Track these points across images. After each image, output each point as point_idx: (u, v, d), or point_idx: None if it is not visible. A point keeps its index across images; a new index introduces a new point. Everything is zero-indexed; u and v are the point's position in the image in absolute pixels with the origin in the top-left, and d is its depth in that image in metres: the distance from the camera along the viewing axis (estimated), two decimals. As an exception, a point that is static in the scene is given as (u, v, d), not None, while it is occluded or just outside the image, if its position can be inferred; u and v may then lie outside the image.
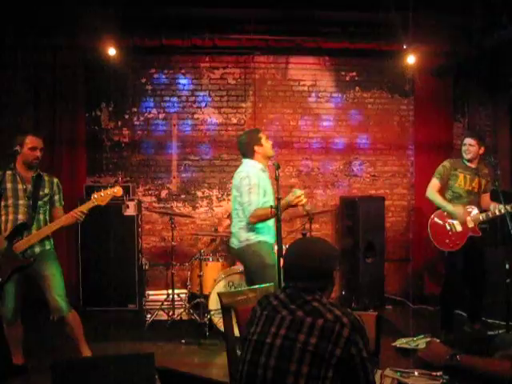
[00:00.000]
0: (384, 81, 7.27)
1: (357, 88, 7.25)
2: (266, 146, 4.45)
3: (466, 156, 5.04)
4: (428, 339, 2.78)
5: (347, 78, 7.25)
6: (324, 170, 7.24)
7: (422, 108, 7.14)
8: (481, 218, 4.95)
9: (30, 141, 4.13)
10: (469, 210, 5.02)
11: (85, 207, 4.13)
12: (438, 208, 5.16)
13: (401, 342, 4.87)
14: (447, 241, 5.01)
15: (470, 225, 4.97)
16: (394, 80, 7.22)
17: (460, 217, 4.97)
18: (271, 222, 4.34)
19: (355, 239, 6.58)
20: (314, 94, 7.20)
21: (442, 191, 5.19)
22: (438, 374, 2.30)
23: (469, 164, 5.08)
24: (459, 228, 4.98)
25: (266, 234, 4.36)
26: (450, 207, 5.02)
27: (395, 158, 7.33)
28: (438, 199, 5.11)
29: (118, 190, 4.19)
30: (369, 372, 1.98)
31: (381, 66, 7.17)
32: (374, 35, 6.54)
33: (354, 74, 7.25)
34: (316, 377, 1.92)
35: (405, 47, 6.07)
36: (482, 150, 5.04)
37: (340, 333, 1.95)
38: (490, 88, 7.36)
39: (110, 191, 4.16)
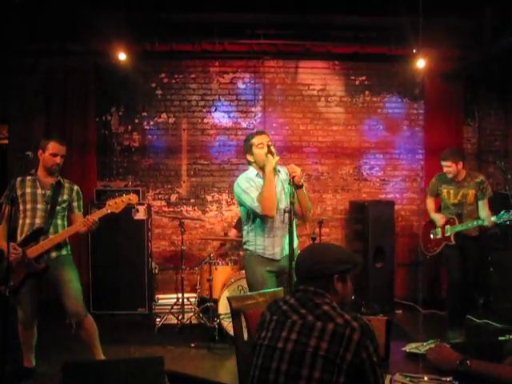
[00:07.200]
0: (394, 85, 7.26)
1: (367, 92, 7.25)
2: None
3: (449, 176, 5.28)
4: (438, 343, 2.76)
5: (357, 82, 7.25)
6: (333, 175, 7.23)
7: (432, 112, 7.12)
8: (458, 228, 5.21)
9: (53, 147, 4.12)
10: (450, 220, 5.31)
11: (98, 215, 4.09)
12: None
13: (411, 347, 4.80)
14: (429, 245, 5.53)
15: (447, 233, 5.29)
16: (404, 84, 7.21)
17: (437, 221, 5.39)
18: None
19: (365, 244, 6.56)
20: (323, 99, 7.20)
21: (438, 202, 5.55)
22: (448, 379, 2.28)
23: (454, 179, 5.27)
24: (439, 235, 5.38)
25: None
26: (431, 215, 5.51)
27: (405, 162, 7.31)
28: (428, 209, 5.57)
29: (133, 198, 4.12)
30: (378, 377, 1.97)
31: (391, 70, 7.17)
32: (383, 39, 6.53)
33: (364, 78, 7.24)
34: (328, 382, 1.91)
35: (415, 51, 6.06)
36: (460, 166, 5.22)
37: (350, 337, 1.94)
38: (501, 92, 7.33)
39: (124, 198, 4.09)
